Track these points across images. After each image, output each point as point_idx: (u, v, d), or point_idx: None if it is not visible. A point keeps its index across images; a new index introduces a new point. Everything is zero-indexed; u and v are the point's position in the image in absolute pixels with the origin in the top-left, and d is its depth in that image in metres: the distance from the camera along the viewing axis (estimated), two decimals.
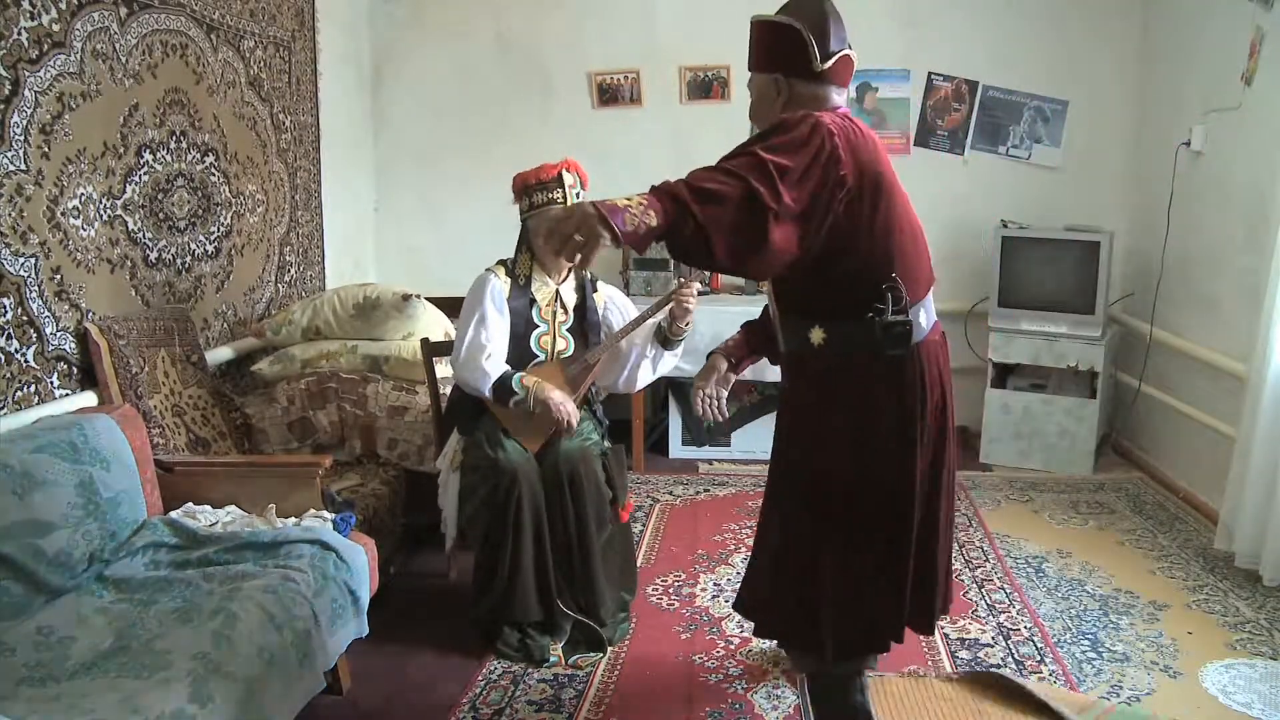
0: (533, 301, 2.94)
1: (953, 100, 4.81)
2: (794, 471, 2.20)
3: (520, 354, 2.92)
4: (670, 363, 3.03)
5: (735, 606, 2.50)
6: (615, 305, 3.08)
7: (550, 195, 2.87)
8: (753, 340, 2.52)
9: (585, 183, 2.95)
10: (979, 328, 4.72)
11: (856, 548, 2.12)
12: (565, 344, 2.97)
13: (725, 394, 2.50)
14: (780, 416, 2.32)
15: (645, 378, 3.01)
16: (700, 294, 4.49)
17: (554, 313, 2.97)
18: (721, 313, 4.35)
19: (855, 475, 2.11)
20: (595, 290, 3.06)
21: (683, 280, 2.86)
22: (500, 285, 2.92)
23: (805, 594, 2.16)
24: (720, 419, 2.52)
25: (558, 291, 2.98)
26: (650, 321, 2.94)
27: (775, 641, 2.58)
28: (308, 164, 4.23)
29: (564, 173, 2.88)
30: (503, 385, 2.81)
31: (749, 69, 2.21)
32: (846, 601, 2.14)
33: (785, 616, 2.26)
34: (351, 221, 4.77)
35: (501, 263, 3.00)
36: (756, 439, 4.59)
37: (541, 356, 2.94)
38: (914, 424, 2.10)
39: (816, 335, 2.10)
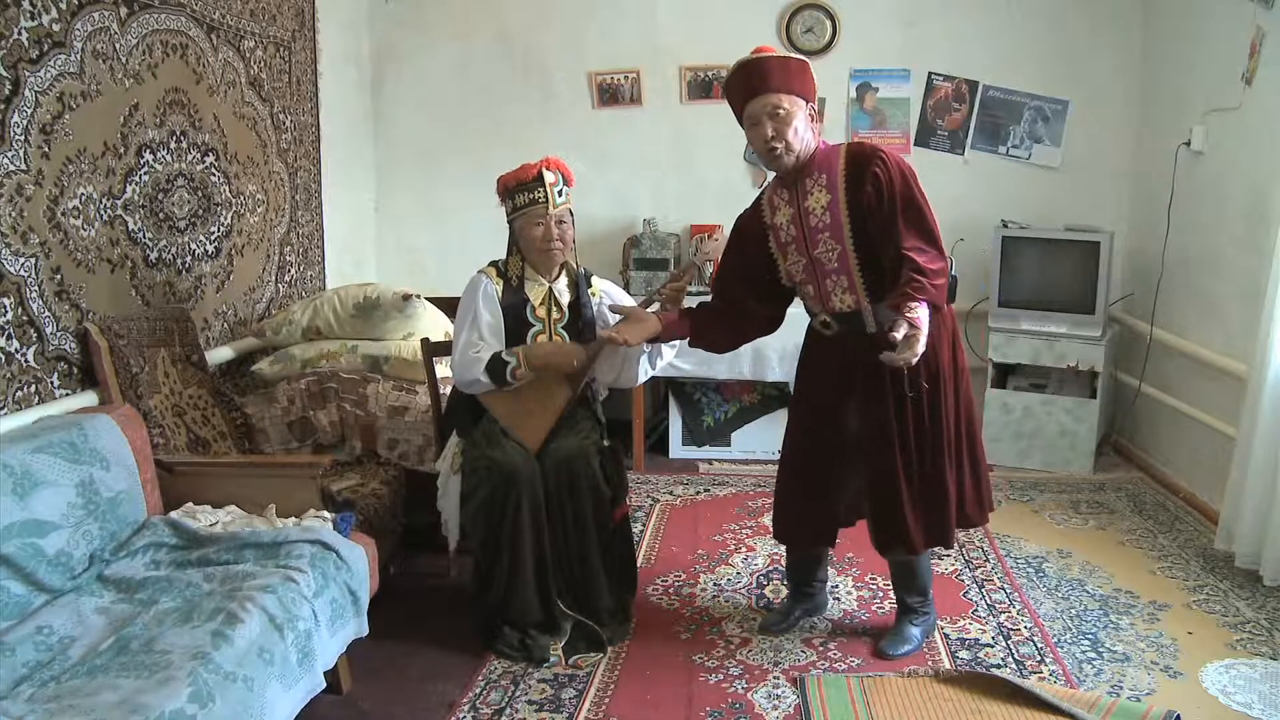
0: (526, 301, 2.94)
1: (953, 100, 4.81)
2: (918, 415, 2.64)
3: None
4: (668, 355, 3.02)
5: (883, 549, 2.80)
6: (610, 298, 3.06)
7: (532, 195, 2.86)
8: (690, 323, 2.83)
9: (570, 179, 2.94)
10: (979, 328, 4.72)
11: (968, 449, 2.75)
12: (562, 342, 2.96)
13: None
14: (857, 384, 2.68)
15: (644, 372, 3.01)
16: (700, 293, 4.54)
17: (549, 311, 2.96)
18: None
19: (953, 395, 2.68)
20: (589, 286, 3.05)
21: (675, 273, 2.87)
22: (492, 287, 2.92)
23: (946, 499, 2.69)
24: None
25: (551, 290, 2.97)
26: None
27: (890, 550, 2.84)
28: (308, 164, 4.23)
29: (544, 171, 2.87)
30: (495, 363, 2.81)
31: (785, 90, 2.56)
32: (959, 492, 2.74)
33: (924, 526, 2.71)
34: (351, 221, 4.77)
35: (493, 264, 2.99)
36: (757, 439, 4.59)
37: None
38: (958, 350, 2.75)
39: None
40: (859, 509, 2.82)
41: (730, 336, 2.92)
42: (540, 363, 2.84)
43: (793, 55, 2.66)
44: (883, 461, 2.67)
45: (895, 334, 2.34)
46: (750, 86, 2.59)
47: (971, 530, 3.71)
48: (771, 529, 2.99)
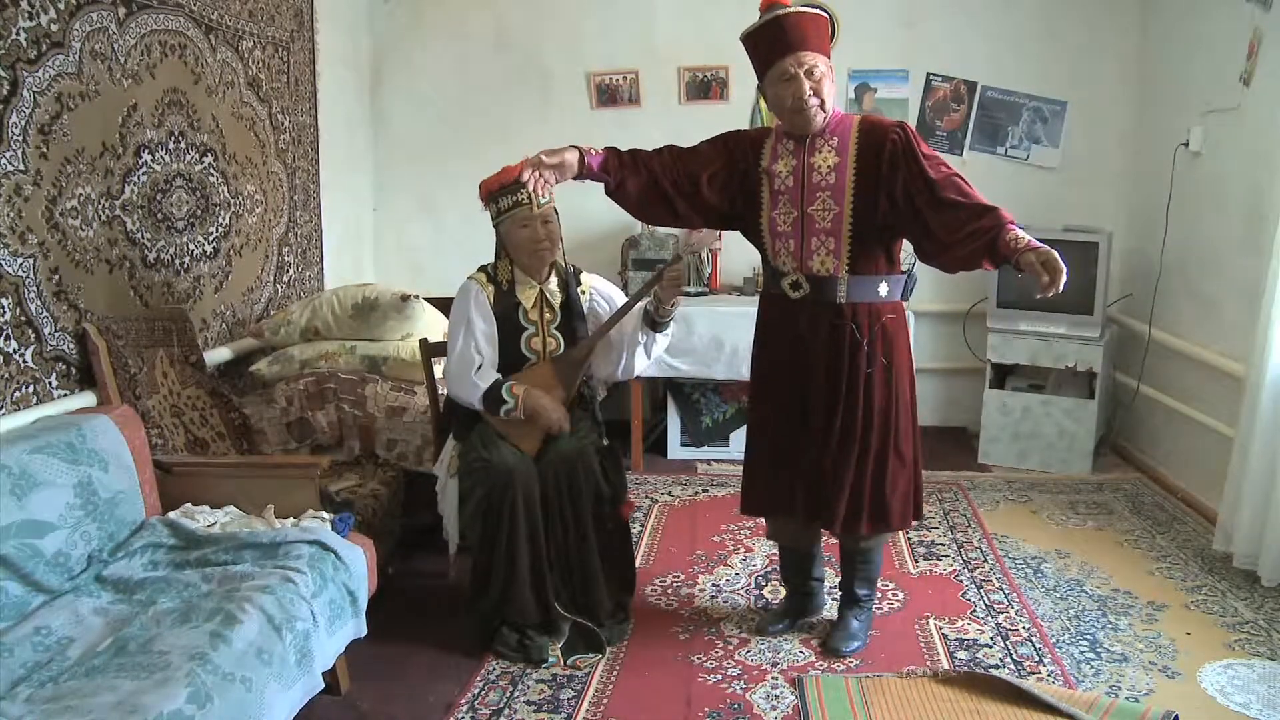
0: (518, 304, 2.93)
1: (951, 101, 4.81)
2: (889, 391, 2.70)
3: (512, 358, 2.91)
4: (663, 344, 3.00)
5: (848, 529, 2.77)
6: (601, 295, 3.05)
7: (515, 198, 2.84)
8: (612, 162, 2.73)
9: None
10: (977, 328, 4.72)
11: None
12: (555, 343, 2.95)
13: (555, 180, 2.70)
14: (816, 354, 2.69)
15: (641, 363, 2.99)
16: (699, 294, 4.55)
17: (541, 313, 2.95)
18: (721, 313, 4.36)
19: (914, 378, 2.80)
20: (579, 284, 3.04)
21: (668, 262, 2.84)
22: (483, 294, 2.92)
23: (917, 479, 2.81)
24: (543, 197, 2.78)
25: (541, 291, 2.96)
26: (638, 306, 2.92)
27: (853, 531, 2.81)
28: (306, 164, 4.23)
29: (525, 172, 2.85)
30: (493, 395, 2.81)
31: (820, 50, 2.58)
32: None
33: (904, 504, 2.78)
34: (350, 222, 4.77)
35: (482, 269, 2.99)
36: None
37: (533, 359, 2.93)
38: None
39: (884, 288, 2.69)
40: (826, 494, 2.72)
41: (646, 207, 2.80)
42: (533, 412, 2.82)
43: (819, 12, 2.64)
44: (849, 436, 2.68)
45: (1042, 278, 2.48)
46: (784, 41, 2.56)
47: (970, 530, 3.72)
48: (740, 503, 2.95)
